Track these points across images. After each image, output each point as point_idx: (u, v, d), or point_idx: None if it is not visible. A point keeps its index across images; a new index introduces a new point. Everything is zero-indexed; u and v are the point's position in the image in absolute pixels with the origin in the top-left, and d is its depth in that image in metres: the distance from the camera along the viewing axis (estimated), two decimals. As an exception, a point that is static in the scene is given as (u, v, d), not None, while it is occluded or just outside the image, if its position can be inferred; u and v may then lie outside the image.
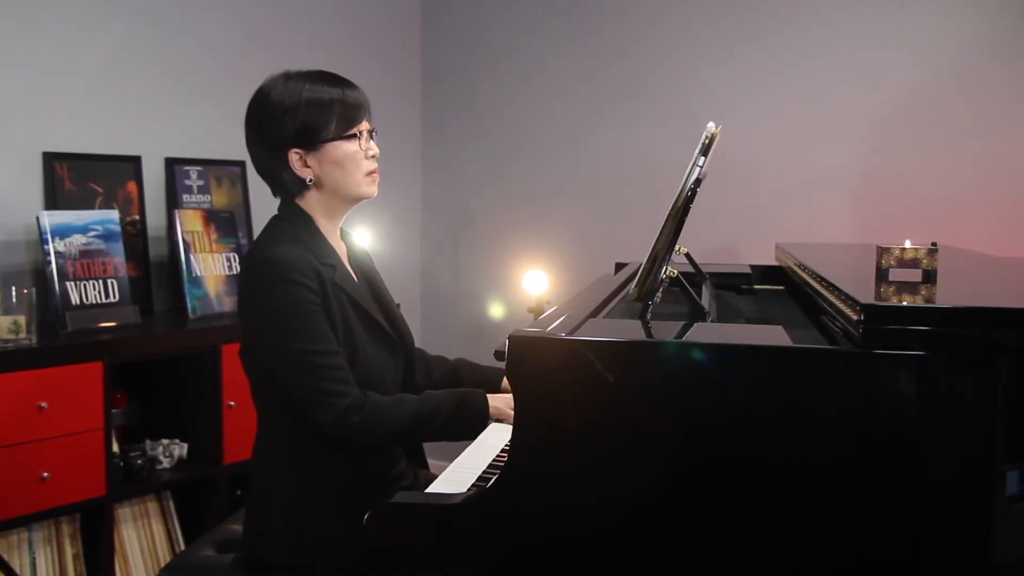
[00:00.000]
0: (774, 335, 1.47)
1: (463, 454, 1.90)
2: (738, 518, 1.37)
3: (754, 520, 1.36)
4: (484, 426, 1.87)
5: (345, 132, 1.85)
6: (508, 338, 1.43)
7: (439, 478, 1.76)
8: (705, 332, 1.53)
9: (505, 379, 2.04)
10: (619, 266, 2.81)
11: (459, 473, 1.77)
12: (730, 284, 2.64)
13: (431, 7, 4.40)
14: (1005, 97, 3.15)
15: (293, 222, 1.87)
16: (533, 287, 3.78)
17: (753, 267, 2.77)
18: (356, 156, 1.86)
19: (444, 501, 1.44)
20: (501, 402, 1.87)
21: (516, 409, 1.42)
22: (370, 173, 1.89)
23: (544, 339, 1.41)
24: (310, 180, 1.85)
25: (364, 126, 1.89)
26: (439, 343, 4.38)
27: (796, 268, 2.23)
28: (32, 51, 3.02)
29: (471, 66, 4.31)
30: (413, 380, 2.03)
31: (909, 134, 3.32)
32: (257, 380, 1.87)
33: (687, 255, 2.40)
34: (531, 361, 1.41)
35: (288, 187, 1.87)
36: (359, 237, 3.71)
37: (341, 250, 1.95)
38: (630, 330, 1.52)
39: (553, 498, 1.40)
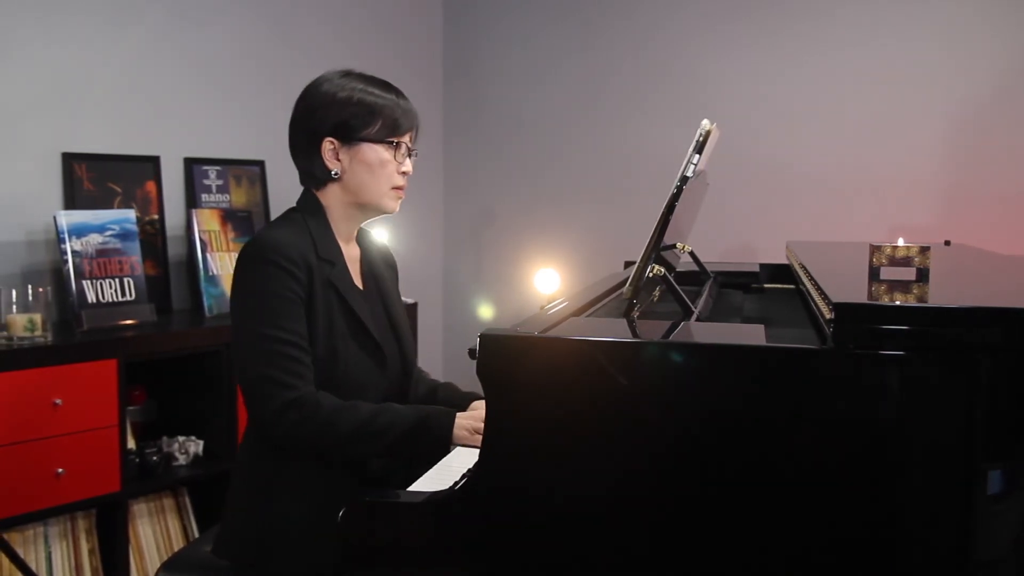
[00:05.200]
0: (750, 334, 1.45)
1: (453, 452, 1.89)
2: (710, 518, 1.35)
3: (725, 520, 1.34)
4: (445, 451, 1.74)
5: (386, 137, 1.82)
6: (479, 336, 1.41)
7: (424, 476, 1.74)
8: (682, 331, 1.51)
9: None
10: (628, 264, 2.80)
11: (445, 471, 1.76)
12: (738, 283, 2.61)
13: (452, 10, 4.41)
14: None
15: (305, 213, 1.84)
16: (545, 286, 3.77)
17: (763, 266, 2.73)
18: (388, 165, 1.83)
19: (414, 499, 1.44)
20: (467, 420, 1.75)
21: (487, 408, 1.41)
22: (397, 188, 1.85)
23: (514, 337, 1.40)
24: (335, 173, 1.82)
25: (407, 139, 1.86)
26: (460, 340, 4.40)
27: (798, 267, 2.19)
28: (51, 53, 3.07)
29: (490, 70, 4.31)
30: (407, 399, 1.95)
31: (936, 133, 3.26)
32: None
33: (691, 254, 2.37)
34: (501, 360, 1.39)
35: (315, 175, 1.84)
36: (378, 235, 3.75)
37: (352, 252, 1.91)
38: (602, 329, 1.50)
39: (522, 498, 1.39)
